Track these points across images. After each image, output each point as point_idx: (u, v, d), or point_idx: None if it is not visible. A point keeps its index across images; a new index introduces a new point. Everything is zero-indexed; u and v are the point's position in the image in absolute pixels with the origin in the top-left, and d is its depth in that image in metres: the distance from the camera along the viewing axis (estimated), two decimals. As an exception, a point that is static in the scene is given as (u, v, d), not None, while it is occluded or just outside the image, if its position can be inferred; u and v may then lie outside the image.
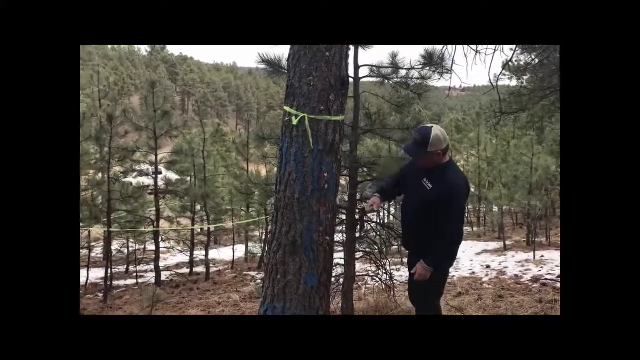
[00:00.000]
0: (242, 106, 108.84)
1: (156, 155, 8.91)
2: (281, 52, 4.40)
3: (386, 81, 4.84)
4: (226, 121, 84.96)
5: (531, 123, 15.20)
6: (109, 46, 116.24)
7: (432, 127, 3.06)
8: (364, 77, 4.63)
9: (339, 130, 3.43)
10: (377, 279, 5.32)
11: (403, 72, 4.78)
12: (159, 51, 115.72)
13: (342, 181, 4.97)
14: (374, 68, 4.67)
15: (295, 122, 3.29)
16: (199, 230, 12.02)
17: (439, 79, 4.39)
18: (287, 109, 3.39)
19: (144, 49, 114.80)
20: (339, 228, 4.54)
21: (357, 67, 4.53)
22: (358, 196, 4.63)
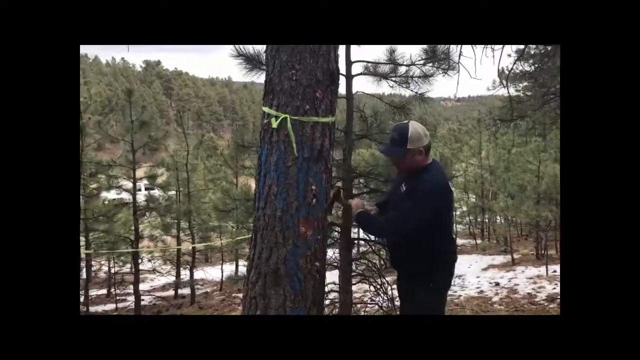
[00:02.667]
0: (238, 120, 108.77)
1: (134, 170, 8.27)
2: (260, 45, 3.83)
3: (383, 80, 4.26)
4: (222, 135, 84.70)
5: (532, 130, 14.75)
6: (104, 62, 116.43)
7: (408, 122, 2.68)
8: (358, 74, 4.06)
9: (329, 134, 2.87)
10: (375, 304, 4.69)
11: (402, 69, 4.20)
12: (154, 66, 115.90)
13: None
14: (369, 64, 4.10)
15: (275, 124, 2.74)
16: (190, 248, 11.37)
17: (445, 74, 3.82)
18: (265, 109, 2.84)
19: (138, 64, 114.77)
20: (331, 251, 3.94)
21: (349, 64, 3.97)
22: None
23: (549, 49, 8.29)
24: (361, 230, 3.03)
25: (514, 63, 5.80)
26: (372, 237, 4.03)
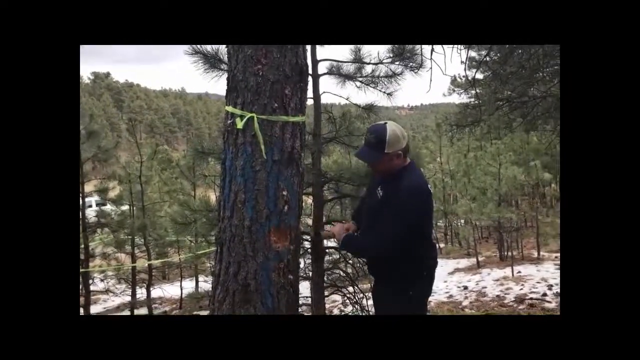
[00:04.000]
0: (193, 131, 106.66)
1: (82, 183, 7.69)
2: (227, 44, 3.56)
3: (348, 81, 4.07)
4: (176, 147, 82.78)
5: (488, 134, 15.13)
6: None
7: (385, 123, 2.48)
8: (324, 74, 3.85)
9: (300, 135, 2.65)
10: (347, 314, 4.47)
11: (369, 69, 4.04)
12: (103, 78, 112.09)
13: (305, 200, 4.13)
14: (335, 64, 3.91)
15: (240, 124, 2.50)
16: (146, 265, 10.74)
17: (416, 71, 3.68)
18: (229, 108, 2.59)
19: (86, 76, 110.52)
20: (302, 261, 3.68)
21: (315, 62, 3.76)
22: (325, 219, 3.80)
23: (498, 56, 8.52)
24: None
25: (479, 65, 5.80)
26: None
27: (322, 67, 3.90)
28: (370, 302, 5.28)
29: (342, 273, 4.23)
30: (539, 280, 7.33)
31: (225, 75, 2.74)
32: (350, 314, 4.51)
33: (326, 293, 4.04)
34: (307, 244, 3.76)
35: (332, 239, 2.69)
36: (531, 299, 6.15)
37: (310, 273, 3.75)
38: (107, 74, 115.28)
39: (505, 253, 10.45)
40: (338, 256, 4.16)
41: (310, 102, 3.80)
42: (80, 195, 7.76)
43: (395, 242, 2.41)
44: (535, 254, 10.64)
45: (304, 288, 4.21)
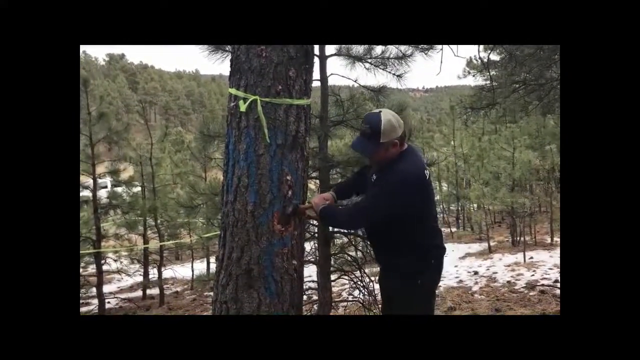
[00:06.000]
0: (207, 113, 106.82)
1: (93, 165, 7.78)
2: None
3: (358, 62, 3.97)
4: (190, 129, 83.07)
5: (503, 117, 14.85)
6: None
7: (380, 112, 2.41)
8: (331, 55, 3.76)
9: (304, 118, 2.60)
10: (357, 300, 4.46)
11: (378, 50, 3.93)
12: (117, 60, 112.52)
13: (311, 185, 4.09)
14: (344, 45, 3.81)
15: (243, 107, 2.46)
16: (158, 246, 10.85)
17: (427, 50, 3.57)
18: (232, 90, 2.54)
19: (101, 57, 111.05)
20: (308, 245, 3.66)
21: (323, 44, 3.67)
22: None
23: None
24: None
25: (492, 49, 5.63)
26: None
27: (330, 48, 3.81)
28: (377, 286, 5.28)
29: (349, 257, 4.20)
30: (551, 266, 7.22)
31: (230, 56, 2.68)
32: (350, 299, 4.49)
33: (333, 277, 4.02)
34: (313, 229, 3.73)
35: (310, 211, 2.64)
36: (542, 285, 6.08)
37: (316, 258, 3.73)
38: (122, 56, 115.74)
39: (518, 238, 10.34)
40: (343, 240, 4.13)
41: (317, 84, 3.72)
42: (92, 176, 7.85)
43: (368, 221, 2.51)
44: (549, 240, 10.50)
45: (311, 272, 4.21)
